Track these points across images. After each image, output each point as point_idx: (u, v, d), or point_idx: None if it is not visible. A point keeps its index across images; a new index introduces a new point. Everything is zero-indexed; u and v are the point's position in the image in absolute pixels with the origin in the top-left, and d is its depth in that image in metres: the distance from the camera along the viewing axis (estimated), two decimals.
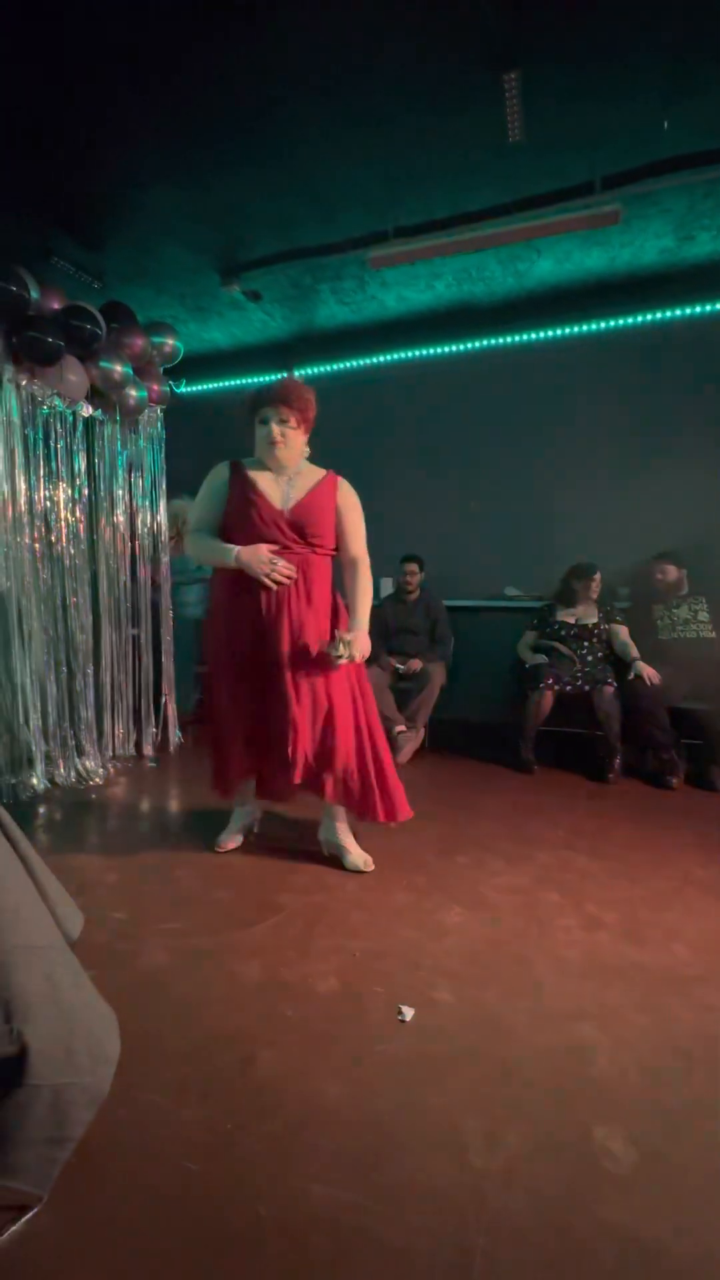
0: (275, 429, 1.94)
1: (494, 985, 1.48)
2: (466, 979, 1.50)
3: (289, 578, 1.92)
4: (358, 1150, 1.03)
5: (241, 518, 1.94)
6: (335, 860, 2.13)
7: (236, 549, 1.91)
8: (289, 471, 2.01)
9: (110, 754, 3.37)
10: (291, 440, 1.97)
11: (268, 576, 1.90)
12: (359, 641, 1.97)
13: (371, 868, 2.07)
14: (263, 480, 1.97)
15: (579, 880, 2.03)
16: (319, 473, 2.06)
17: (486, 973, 1.53)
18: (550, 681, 3.21)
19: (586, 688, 3.19)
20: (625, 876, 2.06)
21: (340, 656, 1.92)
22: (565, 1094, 1.16)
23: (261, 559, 1.90)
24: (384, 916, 1.79)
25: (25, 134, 2.62)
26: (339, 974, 1.52)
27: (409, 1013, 1.37)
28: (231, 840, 2.23)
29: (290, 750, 1.92)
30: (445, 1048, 1.28)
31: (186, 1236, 0.90)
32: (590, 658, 3.29)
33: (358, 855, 2.10)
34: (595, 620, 3.38)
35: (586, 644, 3.33)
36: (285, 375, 1.99)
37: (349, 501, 2.08)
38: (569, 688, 3.23)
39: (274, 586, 1.91)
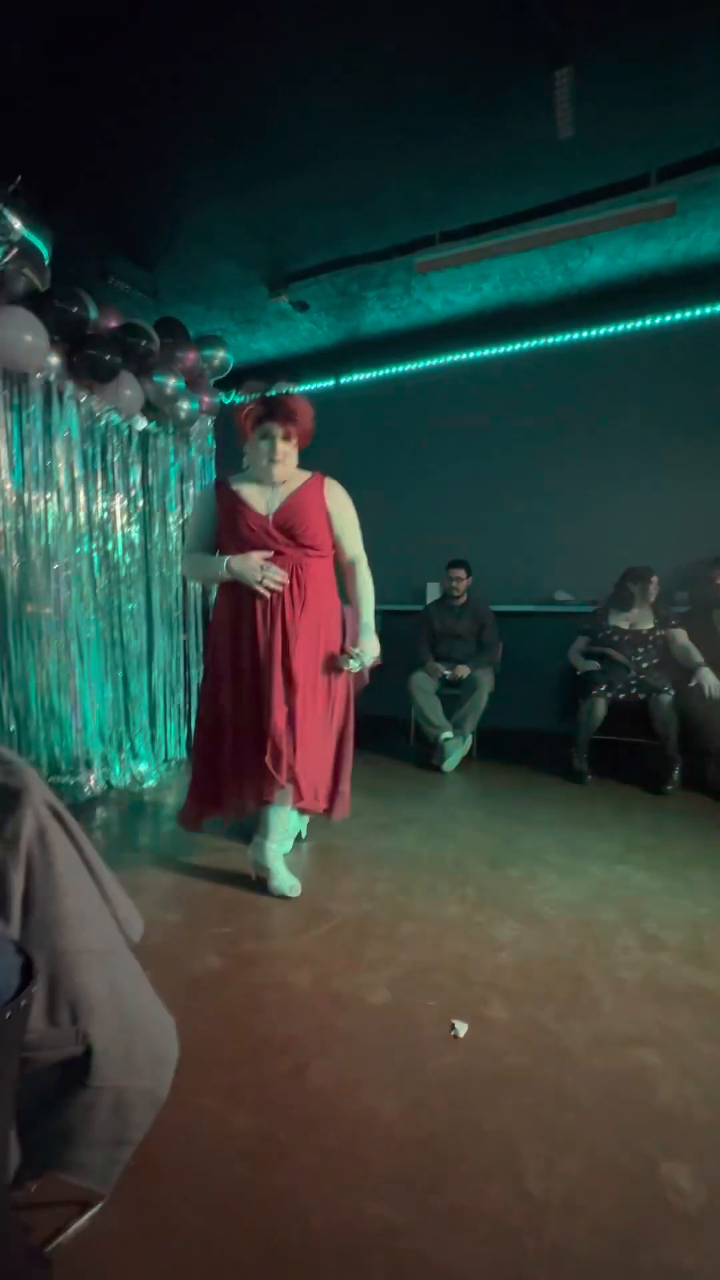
0: (280, 446, 1.93)
1: (549, 1004, 1.44)
2: (521, 996, 1.47)
3: (280, 583, 1.91)
4: (412, 1170, 1.02)
5: (230, 531, 1.96)
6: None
7: (227, 558, 1.92)
8: (278, 481, 1.99)
9: (163, 757, 3.46)
10: (290, 456, 1.97)
11: (259, 583, 1.89)
12: (369, 647, 2.01)
13: (298, 894, 1.94)
14: (247, 491, 1.98)
15: (637, 897, 1.96)
16: (304, 475, 2.04)
17: (541, 991, 1.49)
18: (603, 689, 3.12)
19: (642, 695, 3.08)
20: (688, 895, 1.97)
21: (352, 668, 1.96)
22: (628, 1123, 1.11)
23: (252, 565, 1.90)
24: (435, 929, 1.77)
25: (84, 164, 2.73)
26: (390, 986, 1.50)
27: (462, 1029, 1.34)
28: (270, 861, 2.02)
29: (273, 756, 1.88)
30: (500, 1067, 1.25)
31: (241, 1246, 0.90)
32: (646, 664, 3.18)
33: (285, 879, 1.97)
34: (651, 625, 3.26)
35: (642, 650, 3.21)
36: (287, 390, 1.94)
37: (340, 501, 2.06)
38: (624, 695, 3.12)
39: (266, 594, 1.91)
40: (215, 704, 2.04)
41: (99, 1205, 0.95)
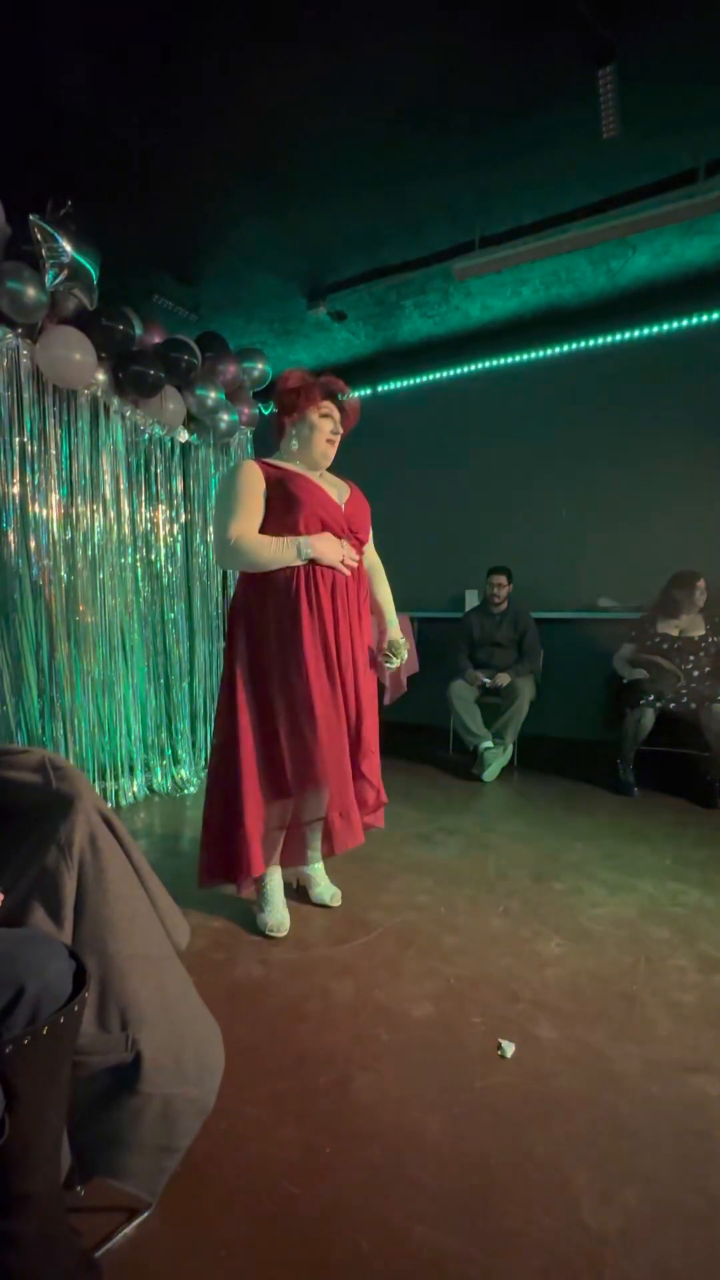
0: (339, 428, 1.83)
1: (600, 1025, 1.39)
2: (570, 1016, 1.42)
3: (356, 561, 1.79)
4: (462, 1192, 0.99)
5: (297, 514, 1.71)
6: (423, 876, 2.07)
7: (307, 538, 1.69)
8: (320, 474, 1.87)
9: (203, 763, 3.50)
10: (337, 444, 1.86)
11: (343, 562, 1.74)
12: (405, 643, 1.97)
13: (339, 902, 1.95)
14: (310, 476, 1.80)
15: (691, 916, 1.88)
16: (337, 476, 1.93)
17: (591, 1010, 1.44)
18: (651, 698, 3.02)
19: (693, 705, 2.97)
20: None
21: (393, 666, 1.91)
22: (689, 1156, 1.06)
23: (334, 544, 1.73)
24: (479, 942, 1.73)
25: (131, 186, 2.82)
26: (434, 1000, 1.47)
27: (510, 1048, 1.30)
28: (282, 918, 1.83)
29: (366, 765, 1.80)
30: (550, 1089, 1.20)
31: (287, 1260, 0.89)
32: (696, 673, 3.07)
33: (327, 887, 1.98)
34: (702, 632, 3.15)
35: (692, 658, 3.10)
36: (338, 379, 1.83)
37: (369, 508, 1.97)
38: (673, 705, 3.02)
39: (347, 572, 1.76)
40: (284, 714, 1.72)
41: (146, 1213, 0.95)
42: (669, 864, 2.26)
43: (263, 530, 1.74)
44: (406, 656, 1.96)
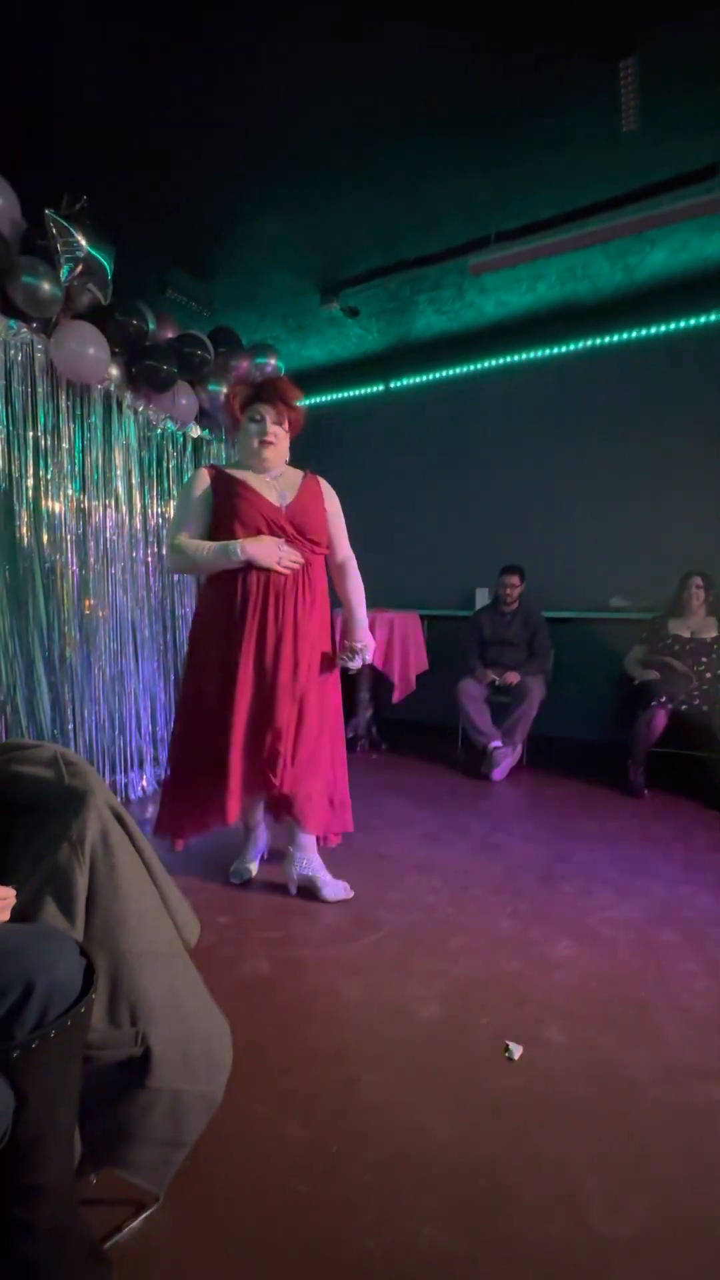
0: (270, 428, 1.84)
1: (610, 1029, 1.38)
2: (579, 1019, 1.41)
3: (296, 562, 1.81)
4: (469, 1196, 0.98)
5: (236, 520, 1.79)
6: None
7: (240, 541, 1.76)
8: (273, 473, 1.90)
9: None
10: (281, 441, 1.88)
11: (278, 564, 1.78)
12: (369, 641, 1.98)
13: (352, 894, 1.98)
14: (251, 479, 1.86)
15: (702, 920, 1.86)
16: (298, 472, 1.96)
17: (601, 1014, 1.43)
18: (663, 699, 2.99)
19: (704, 707, 2.94)
20: None
21: (352, 665, 1.93)
22: (700, 1164, 1.05)
23: (269, 546, 1.78)
24: (486, 943, 1.72)
25: (146, 181, 2.82)
26: (441, 1000, 1.47)
27: (517, 1051, 1.30)
28: (249, 867, 2.11)
29: (270, 756, 1.80)
30: (558, 1093, 1.20)
31: (294, 1259, 0.89)
32: (709, 674, 3.04)
33: (335, 885, 1.98)
34: (715, 634, 3.11)
35: (705, 659, 3.07)
36: (278, 374, 1.84)
37: (334, 500, 1.99)
38: (684, 706, 2.99)
39: (286, 572, 1.80)
40: (205, 702, 1.85)
41: (154, 1207, 0.96)
42: (679, 867, 2.24)
43: (211, 534, 1.84)
44: (366, 660, 1.97)
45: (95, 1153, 0.91)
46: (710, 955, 1.67)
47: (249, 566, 1.79)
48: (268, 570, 1.80)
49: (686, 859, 2.32)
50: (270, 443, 1.85)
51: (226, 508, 1.81)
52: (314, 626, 1.88)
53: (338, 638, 2.03)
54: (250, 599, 1.80)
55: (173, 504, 3.24)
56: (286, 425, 1.89)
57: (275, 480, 1.89)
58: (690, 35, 2.10)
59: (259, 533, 1.80)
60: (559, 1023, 1.39)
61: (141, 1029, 0.87)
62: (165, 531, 3.21)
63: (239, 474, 1.87)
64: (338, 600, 2.06)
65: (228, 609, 1.82)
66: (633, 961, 1.64)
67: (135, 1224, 0.94)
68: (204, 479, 1.86)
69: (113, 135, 2.58)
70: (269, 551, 1.78)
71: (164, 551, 1.79)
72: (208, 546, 1.79)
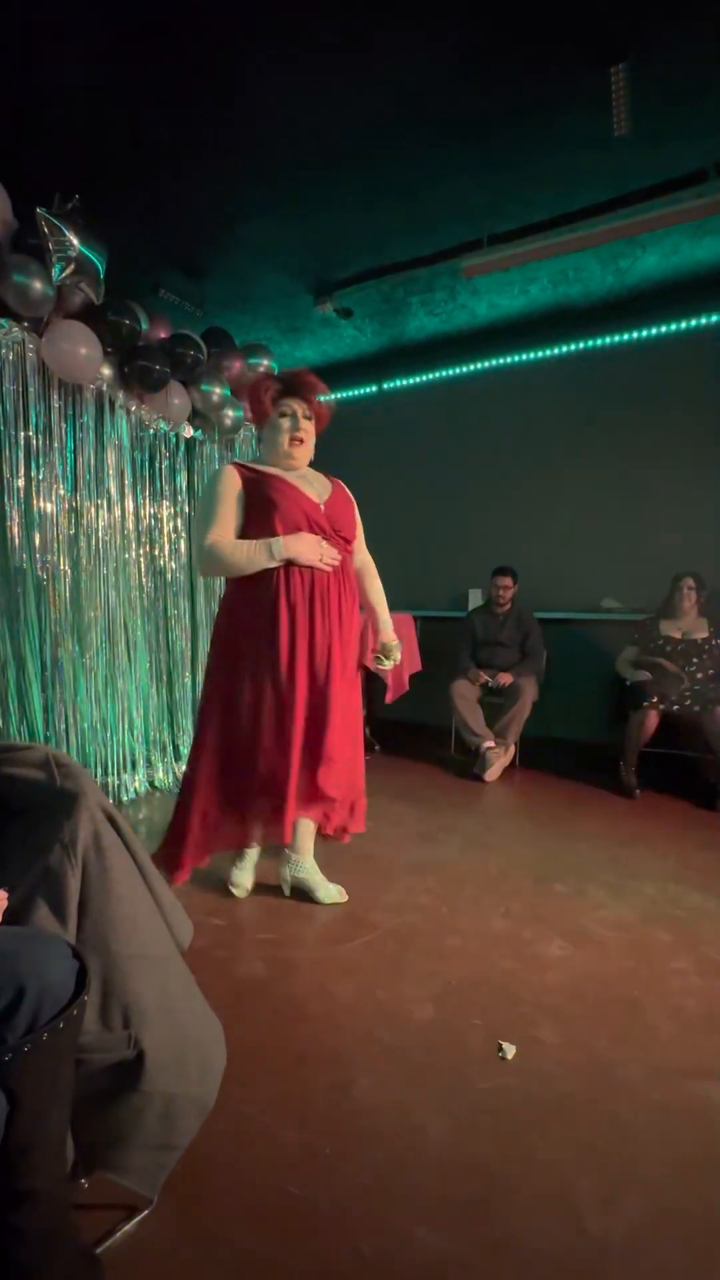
0: (302, 423, 1.78)
1: (602, 1029, 1.38)
2: (571, 1019, 1.41)
3: (336, 560, 1.78)
4: (463, 1197, 0.98)
5: (275, 516, 1.72)
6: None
7: (280, 539, 1.69)
8: (299, 471, 1.84)
9: None
10: (310, 438, 1.81)
11: (321, 560, 1.73)
12: (400, 641, 1.95)
13: (346, 898, 1.95)
14: (288, 476, 1.80)
15: (694, 919, 1.87)
16: (317, 471, 1.91)
17: (593, 1014, 1.43)
18: (655, 700, 3.01)
19: (696, 708, 2.96)
20: None
21: (386, 666, 1.90)
22: (690, 1162, 1.05)
23: (311, 543, 1.72)
24: (480, 944, 1.73)
25: (138, 179, 2.81)
26: (435, 1001, 1.47)
27: (510, 1051, 1.30)
28: (247, 879, 1.99)
29: (334, 764, 1.76)
30: (552, 1093, 1.20)
31: (287, 1262, 0.89)
32: (700, 675, 3.06)
33: (329, 888, 1.96)
34: (705, 634, 3.14)
35: (696, 660, 3.09)
36: (301, 368, 1.81)
37: (355, 503, 1.96)
38: (675, 707, 3.01)
39: (328, 569, 1.75)
40: (248, 709, 1.75)
41: (146, 1210, 0.95)
42: (671, 867, 2.26)
43: (244, 534, 1.76)
44: (399, 658, 1.95)
45: (88, 1156, 0.90)
46: (702, 954, 1.68)
47: (289, 565, 1.72)
48: (310, 569, 1.74)
49: (678, 858, 2.33)
50: (301, 440, 1.79)
51: (263, 505, 1.73)
52: (354, 626, 1.85)
53: (367, 640, 2.01)
54: (296, 599, 1.72)
55: (166, 504, 3.23)
56: (314, 422, 1.83)
57: (304, 478, 1.84)
58: (680, 43, 2.12)
59: (298, 530, 1.74)
60: (552, 1022, 1.40)
61: (134, 1032, 0.86)
62: (156, 532, 3.20)
63: (272, 470, 1.80)
64: None
65: (269, 610, 1.73)
66: (625, 961, 1.65)
67: (128, 1228, 0.93)
68: (235, 476, 1.76)
69: (105, 134, 2.57)
70: (312, 548, 1.72)
71: (194, 554, 1.75)
72: (247, 545, 1.71)
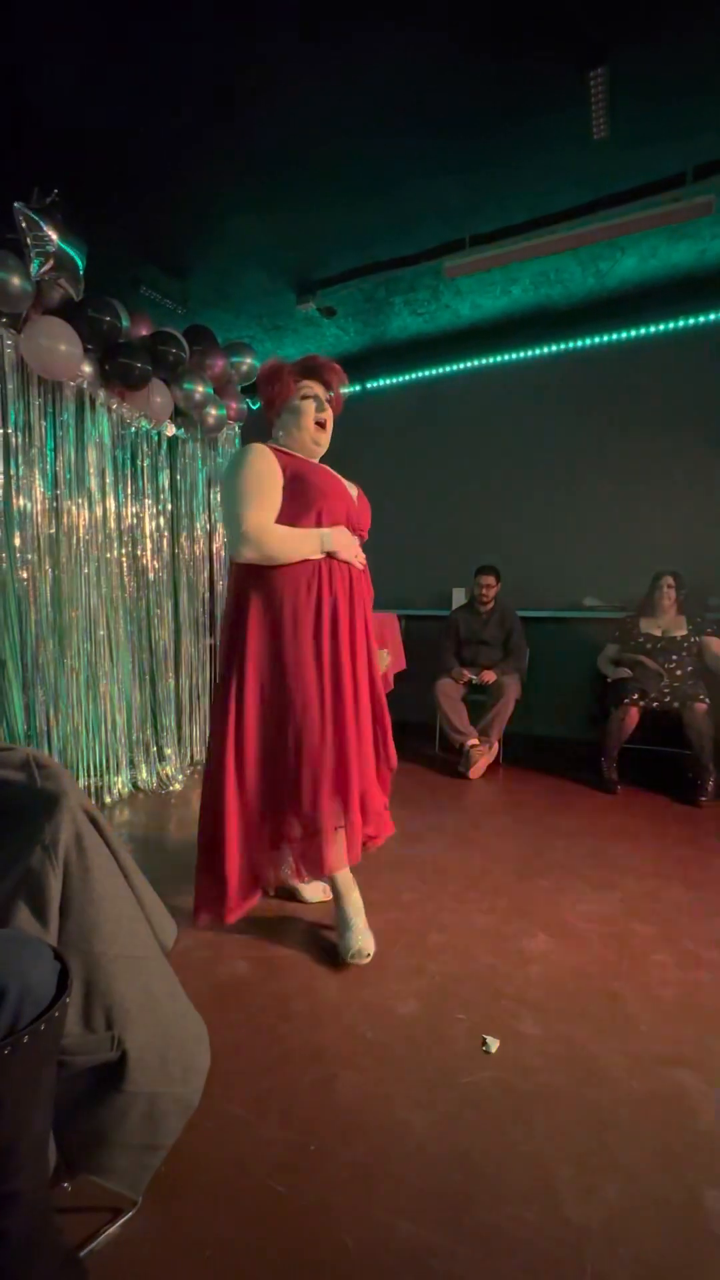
0: (326, 407, 1.69)
1: (583, 1021, 1.40)
2: (553, 1012, 1.43)
3: (363, 559, 1.72)
4: (445, 1189, 1.00)
5: (320, 507, 1.60)
6: (419, 872, 2.05)
7: (329, 531, 1.60)
8: (320, 455, 1.75)
9: (189, 759, 3.48)
10: (329, 426, 1.72)
11: (356, 558, 1.67)
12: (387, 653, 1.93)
13: (330, 895, 1.79)
14: (324, 466, 1.71)
15: (673, 912, 1.91)
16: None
17: (574, 1006, 1.45)
18: (635, 697, 3.05)
19: (675, 704, 3.01)
20: None
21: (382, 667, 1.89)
22: (668, 1149, 1.08)
23: (349, 538, 1.65)
24: (463, 939, 1.74)
25: (118, 174, 2.78)
26: (419, 997, 1.48)
27: (494, 1044, 1.32)
28: (366, 941, 1.65)
29: (385, 768, 1.73)
30: (533, 1085, 1.22)
31: (272, 1258, 0.89)
32: (680, 672, 3.11)
33: (315, 884, 1.91)
34: (684, 632, 3.19)
35: (675, 657, 3.14)
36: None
37: None
38: (656, 704, 3.05)
39: (361, 567, 1.69)
40: (296, 711, 1.57)
41: (131, 1212, 0.95)
42: (651, 861, 2.29)
43: (277, 522, 1.60)
44: (389, 662, 1.95)
45: (71, 1159, 0.90)
46: (681, 946, 1.71)
47: (328, 559, 1.62)
48: (346, 564, 1.66)
49: (659, 853, 2.37)
50: (323, 424, 1.69)
51: (307, 493, 1.59)
52: (372, 627, 1.79)
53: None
54: (339, 594, 1.62)
55: (148, 503, 3.21)
56: (331, 409, 1.73)
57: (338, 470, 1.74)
58: (658, 48, 2.15)
59: (337, 524, 1.64)
60: (534, 1015, 1.42)
61: (117, 1033, 0.86)
62: (138, 532, 3.18)
63: (308, 460, 1.69)
64: None
65: (313, 605, 1.59)
66: (606, 954, 1.67)
67: (112, 1230, 0.93)
68: (273, 458, 1.59)
69: (85, 130, 2.54)
70: (350, 544, 1.65)
71: (232, 540, 1.58)
72: (299, 533, 1.57)
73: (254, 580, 1.62)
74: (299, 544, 1.57)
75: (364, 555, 1.73)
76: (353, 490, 1.76)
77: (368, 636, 1.70)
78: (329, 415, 1.70)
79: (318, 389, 1.68)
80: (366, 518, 1.77)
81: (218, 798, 1.59)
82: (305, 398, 1.67)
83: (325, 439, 1.72)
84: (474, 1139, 1.09)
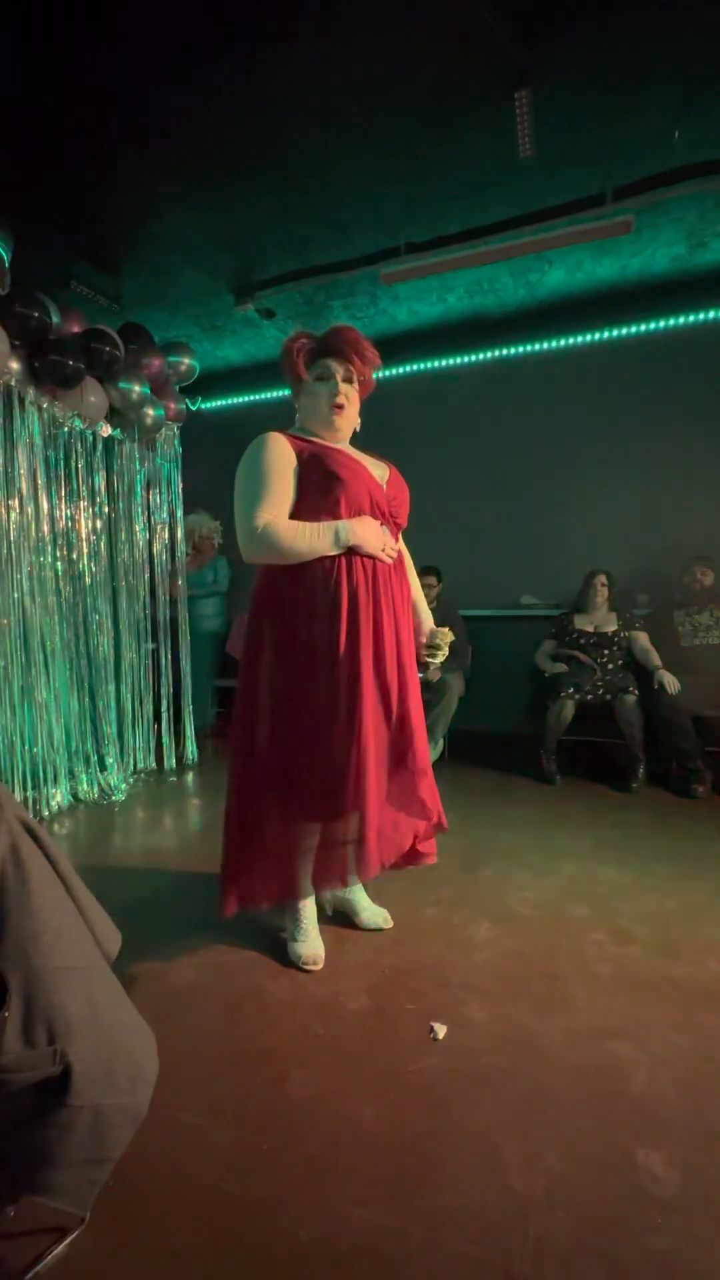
0: (341, 386, 1.55)
1: (525, 1002, 1.46)
2: (497, 995, 1.49)
3: (396, 551, 1.58)
4: (396, 1173, 1.02)
5: (339, 496, 1.48)
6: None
7: (346, 523, 1.46)
8: (341, 438, 1.62)
9: (131, 769, 3.39)
10: (352, 405, 1.59)
11: (384, 550, 1.52)
12: (450, 635, 1.78)
13: (391, 924, 1.81)
14: (349, 450, 1.60)
15: (608, 893, 2.01)
16: (368, 453, 1.70)
17: (517, 989, 1.51)
18: (571, 691, 3.19)
19: (608, 696, 3.16)
20: (655, 890, 2.03)
21: (438, 658, 1.72)
22: (604, 1114, 1.14)
23: (375, 528, 1.50)
24: (412, 932, 1.78)
25: (47, 165, 2.69)
26: (369, 991, 1.51)
27: (441, 1031, 1.35)
28: (317, 949, 1.64)
29: (424, 786, 1.62)
30: (479, 1067, 1.26)
31: (228, 1262, 0.89)
32: (611, 665, 3.27)
33: (377, 910, 1.83)
34: (615, 628, 3.35)
35: (607, 652, 3.30)
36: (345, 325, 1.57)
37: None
38: (590, 697, 3.20)
39: (389, 561, 1.55)
40: (301, 724, 1.51)
41: (78, 1230, 0.93)
42: (589, 846, 2.40)
43: (296, 514, 1.48)
44: (447, 652, 1.76)
45: (12, 1181, 0.87)
46: (615, 925, 1.81)
47: (350, 554, 1.49)
48: (372, 558, 1.51)
49: (595, 837, 2.49)
50: (341, 406, 1.55)
51: (324, 481, 1.48)
52: (410, 624, 1.65)
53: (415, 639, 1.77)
54: (350, 592, 1.48)
55: (83, 504, 3.11)
56: (358, 384, 1.60)
57: (363, 453, 1.62)
58: (579, 75, 2.26)
59: (361, 513, 1.51)
60: (479, 1000, 1.47)
61: (60, 1046, 0.84)
62: (73, 535, 3.08)
63: (329, 443, 1.57)
64: None
65: (325, 605, 1.48)
66: (547, 936, 1.75)
67: (58, 1250, 0.91)
68: (286, 446, 1.49)
69: (11, 125, 2.44)
70: (376, 536, 1.50)
71: (239, 540, 1.48)
72: (309, 530, 1.45)
73: (270, 578, 1.55)
74: (311, 540, 1.45)
75: (398, 545, 1.61)
76: (382, 472, 1.63)
77: (398, 637, 1.55)
78: (348, 394, 1.56)
79: (334, 365, 1.56)
80: (402, 503, 1.63)
81: (247, 802, 1.56)
82: (319, 378, 1.56)
83: (346, 423, 1.59)
84: (423, 1124, 1.12)
